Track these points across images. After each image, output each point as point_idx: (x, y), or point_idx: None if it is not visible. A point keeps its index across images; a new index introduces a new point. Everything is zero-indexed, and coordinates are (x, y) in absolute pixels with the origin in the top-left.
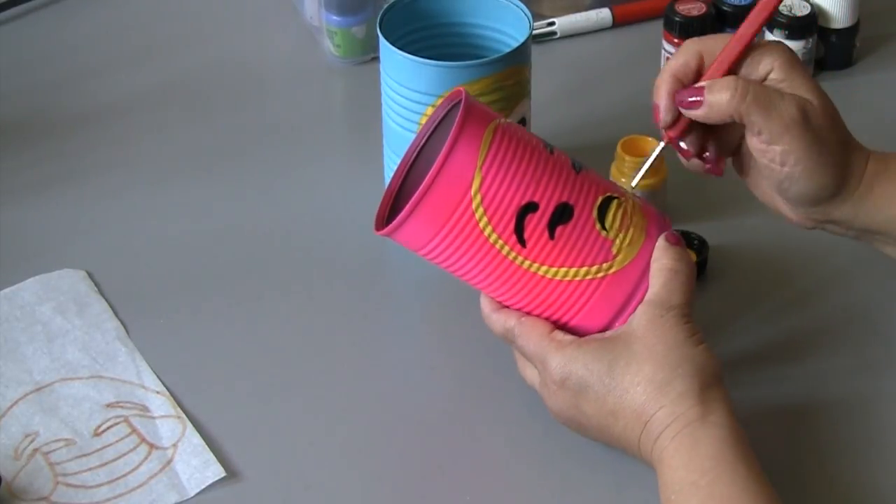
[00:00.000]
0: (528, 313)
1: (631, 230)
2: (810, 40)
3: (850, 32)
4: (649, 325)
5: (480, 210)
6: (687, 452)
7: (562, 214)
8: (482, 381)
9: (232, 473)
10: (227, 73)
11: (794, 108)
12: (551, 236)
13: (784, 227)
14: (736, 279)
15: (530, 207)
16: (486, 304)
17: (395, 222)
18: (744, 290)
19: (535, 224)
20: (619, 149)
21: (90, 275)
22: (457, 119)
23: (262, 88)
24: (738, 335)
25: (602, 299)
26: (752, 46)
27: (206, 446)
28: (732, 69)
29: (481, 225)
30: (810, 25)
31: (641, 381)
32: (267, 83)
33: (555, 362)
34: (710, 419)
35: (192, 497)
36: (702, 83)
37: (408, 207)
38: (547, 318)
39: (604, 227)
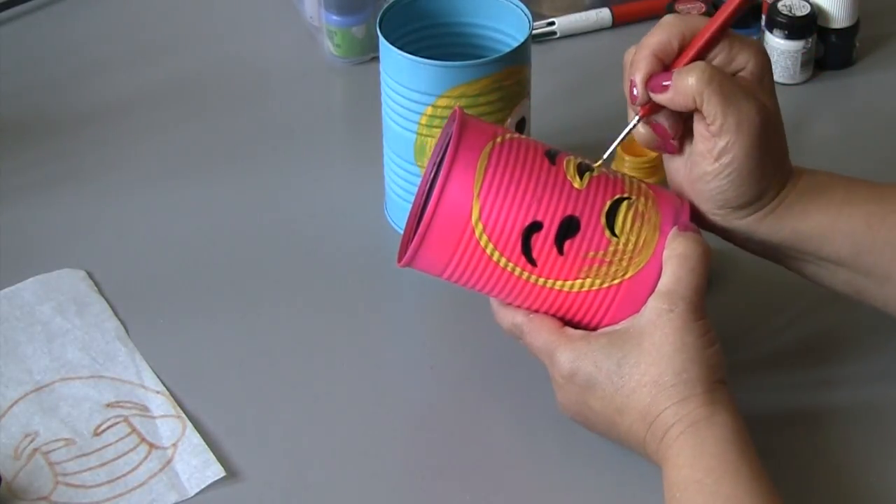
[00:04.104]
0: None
1: (644, 230)
2: (810, 40)
3: (849, 32)
4: (658, 320)
5: (485, 238)
6: (691, 451)
7: (568, 229)
8: (482, 381)
9: (232, 473)
10: (227, 73)
11: (755, 111)
12: (560, 252)
13: None
14: (740, 285)
15: (535, 227)
16: (494, 300)
17: (405, 258)
18: (748, 296)
19: (542, 243)
20: (618, 149)
21: (90, 275)
22: (448, 152)
23: (262, 88)
24: (745, 342)
25: (623, 304)
26: (732, 37)
27: (205, 446)
28: (703, 56)
29: (488, 251)
30: (810, 25)
31: (647, 383)
32: (267, 83)
33: (563, 357)
34: (715, 419)
35: (191, 497)
36: (673, 70)
37: (413, 244)
38: (576, 325)
39: (614, 234)
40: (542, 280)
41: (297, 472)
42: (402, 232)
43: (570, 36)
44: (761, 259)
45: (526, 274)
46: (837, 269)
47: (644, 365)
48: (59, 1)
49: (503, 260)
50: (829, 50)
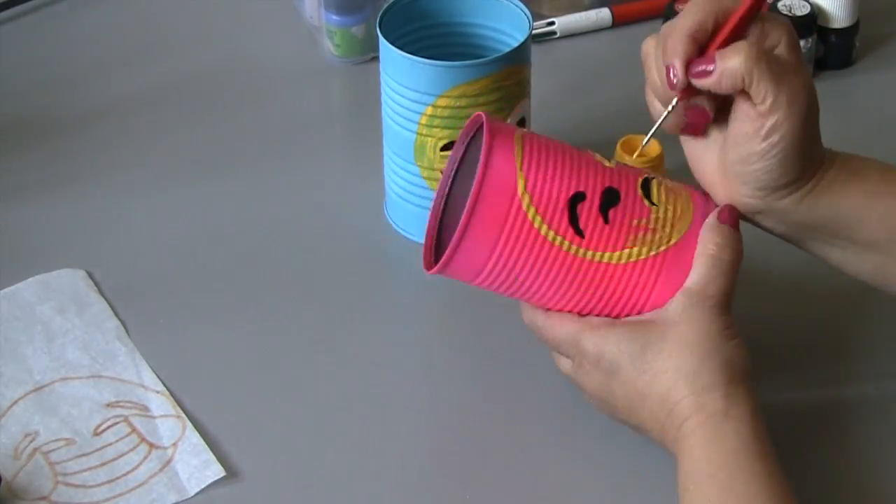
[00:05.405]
0: (598, 315)
1: (679, 201)
2: (810, 40)
3: (849, 32)
4: (685, 313)
5: (532, 209)
6: (708, 444)
7: (610, 198)
8: (482, 381)
9: (232, 473)
10: (227, 73)
11: (804, 87)
12: (606, 220)
13: None
14: (745, 280)
15: (579, 197)
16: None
17: (450, 246)
18: (752, 292)
19: (588, 211)
20: (618, 149)
21: (90, 275)
22: (485, 129)
23: (262, 88)
24: (753, 336)
25: (670, 274)
26: (759, 17)
27: (205, 446)
28: (739, 35)
29: (536, 224)
30: (810, 25)
31: (670, 369)
32: (267, 83)
33: (589, 342)
34: (733, 413)
35: (191, 497)
36: (713, 54)
37: (461, 225)
38: (619, 314)
39: (652, 203)
40: (589, 253)
41: (297, 472)
42: (401, 230)
43: (570, 36)
44: (754, 253)
45: (574, 247)
46: (867, 254)
47: (667, 352)
48: (59, 1)
49: (551, 233)
50: (828, 50)
